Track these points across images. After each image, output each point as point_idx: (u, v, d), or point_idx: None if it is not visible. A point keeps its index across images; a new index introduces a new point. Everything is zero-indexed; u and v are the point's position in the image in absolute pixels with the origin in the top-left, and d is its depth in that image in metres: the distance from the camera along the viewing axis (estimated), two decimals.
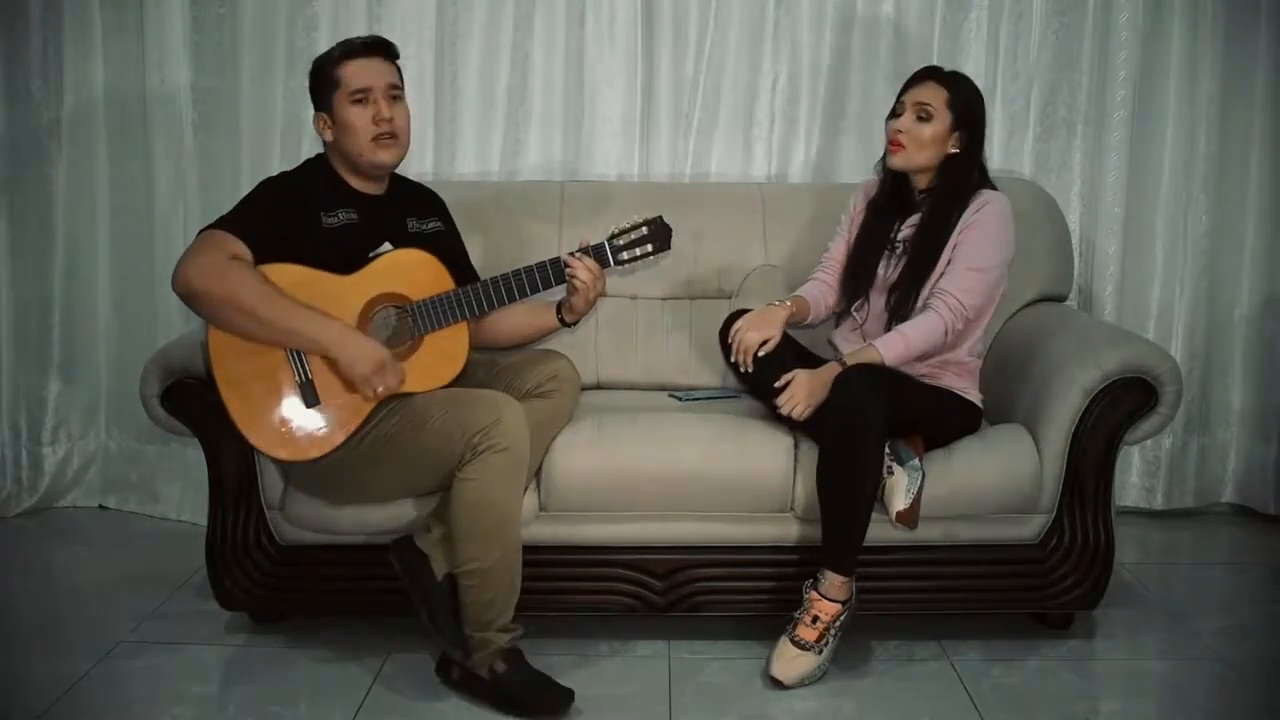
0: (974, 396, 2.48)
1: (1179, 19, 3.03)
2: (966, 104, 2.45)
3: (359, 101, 2.25)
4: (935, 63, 3.02)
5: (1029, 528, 2.43)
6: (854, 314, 2.55)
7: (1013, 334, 2.75)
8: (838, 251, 2.61)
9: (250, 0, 3.01)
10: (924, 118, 2.41)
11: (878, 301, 2.49)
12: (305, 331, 2.16)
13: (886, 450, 2.28)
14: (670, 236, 2.36)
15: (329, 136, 2.29)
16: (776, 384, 2.34)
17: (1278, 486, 3.20)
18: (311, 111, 2.34)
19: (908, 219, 2.49)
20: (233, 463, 2.39)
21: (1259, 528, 3.19)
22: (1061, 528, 2.42)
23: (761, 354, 2.38)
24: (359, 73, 2.26)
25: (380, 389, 2.19)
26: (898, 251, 2.48)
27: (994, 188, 2.48)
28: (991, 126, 3.06)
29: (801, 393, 2.31)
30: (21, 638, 2.50)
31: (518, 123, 3.09)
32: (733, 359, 2.43)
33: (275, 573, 2.44)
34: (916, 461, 2.28)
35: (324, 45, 2.96)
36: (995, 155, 3.09)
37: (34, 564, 2.96)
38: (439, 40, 3.03)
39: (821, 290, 2.58)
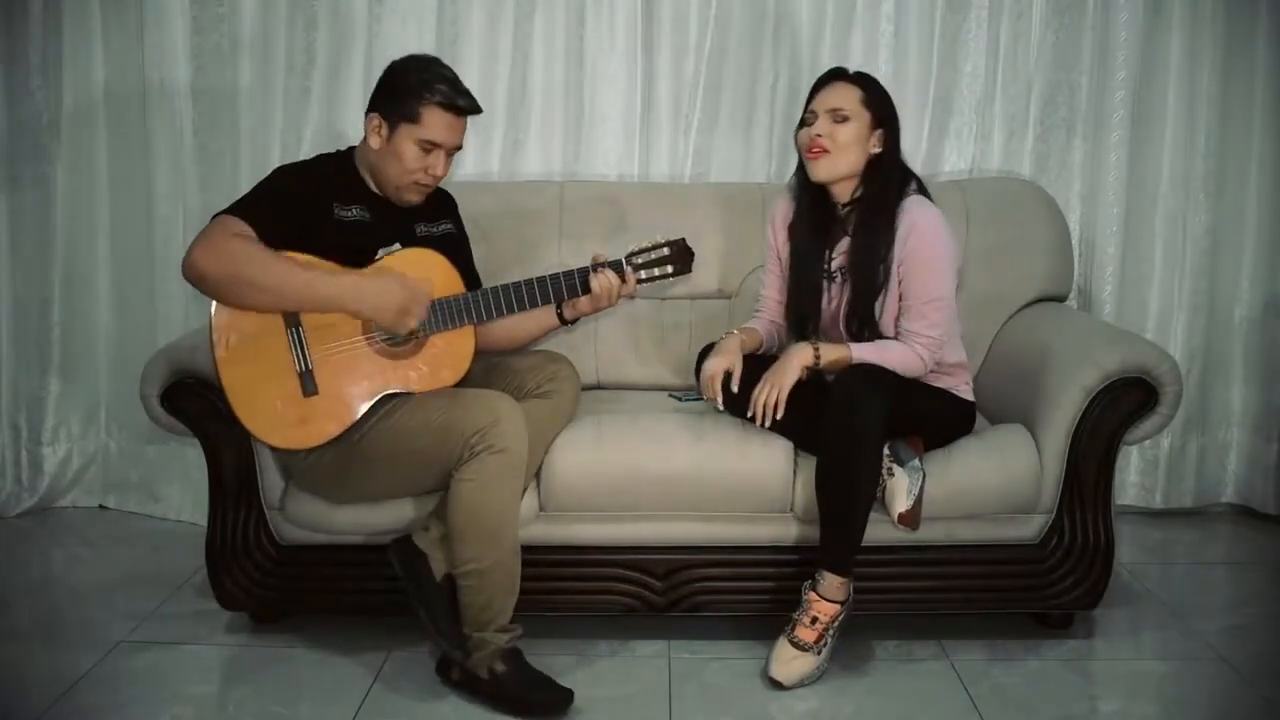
0: (965, 392, 2.47)
1: (1179, 19, 3.03)
2: (881, 101, 2.35)
3: (425, 150, 2.24)
4: (935, 64, 3.04)
5: (1029, 528, 2.43)
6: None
7: (1013, 334, 2.75)
8: (773, 290, 2.54)
9: (250, 0, 3.01)
10: (840, 120, 2.31)
11: (832, 332, 2.43)
12: (319, 292, 2.16)
13: (886, 451, 2.28)
14: (691, 260, 2.35)
15: (376, 144, 2.25)
16: (749, 415, 2.32)
17: (1278, 486, 3.21)
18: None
19: (837, 244, 2.40)
20: (233, 463, 2.39)
21: (1259, 528, 3.19)
22: (1061, 528, 2.42)
23: (734, 388, 2.34)
24: (442, 128, 2.23)
25: (413, 323, 2.19)
26: (837, 280, 2.41)
27: (918, 181, 2.39)
28: (991, 126, 3.08)
29: (765, 394, 2.27)
30: (21, 637, 2.50)
31: (518, 123, 3.09)
32: (706, 398, 2.40)
33: (275, 573, 2.44)
34: (917, 462, 2.28)
35: (324, 45, 3.00)
36: (995, 155, 3.10)
37: (34, 564, 2.96)
38: (439, 40, 3.03)
39: (769, 327, 2.54)
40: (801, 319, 2.46)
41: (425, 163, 2.25)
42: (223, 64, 3.05)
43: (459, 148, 2.30)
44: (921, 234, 2.29)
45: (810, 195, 2.42)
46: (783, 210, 2.51)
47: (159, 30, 3.05)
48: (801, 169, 2.41)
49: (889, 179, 2.35)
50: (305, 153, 2.94)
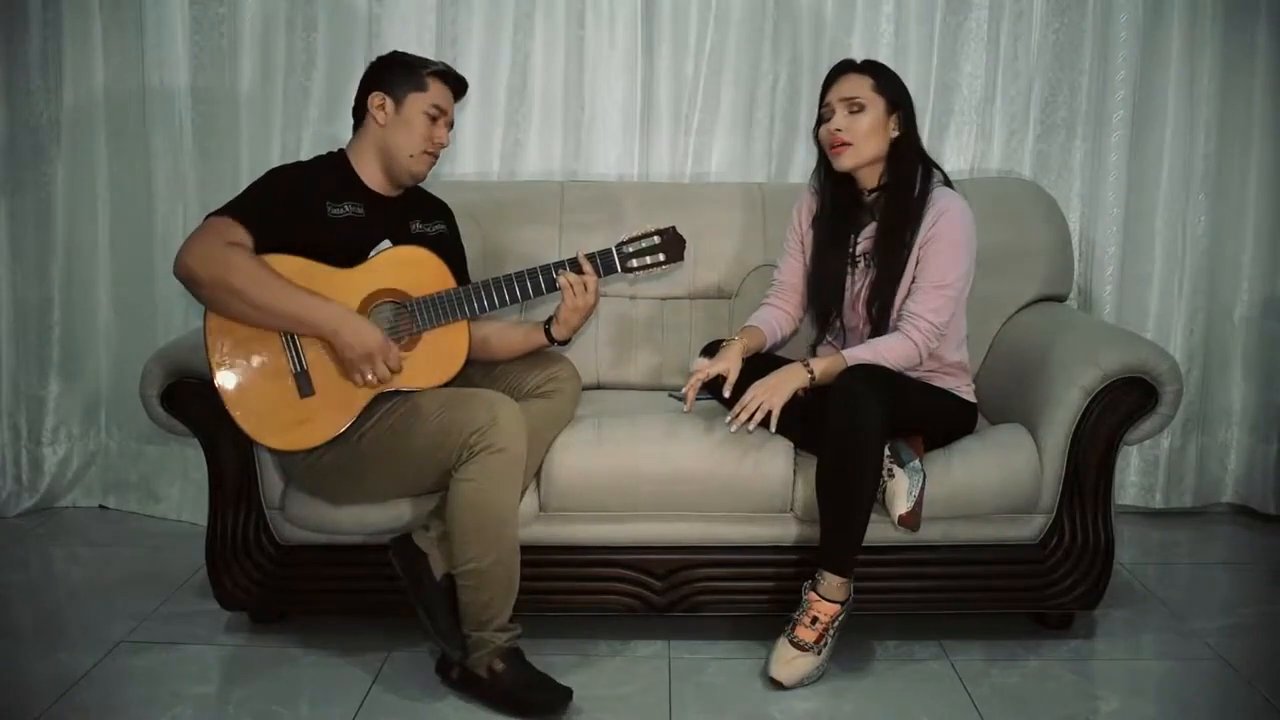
0: (967, 394, 2.47)
1: (1179, 19, 3.03)
2: (892, 86, 2.39)
3: (432, 118, 2.32)
4: (935, 64, 3.04)
5: (1029, 528, 2.43)
6: (830, 342, 2.51)
7: (1012, 334, 2.75)
8: (788, 274, 2.54)
9: (250, 0, 3.01)
10: (856, 110, 2.36)
11: (852, 319, 2.44)
12: (301, 314, 2.16)
13: (886, 452, 2.28)
14: (683, 247, 2.34)
15: (382, 120, 2.31)
16: (730, 418, 2.28)
17: (1278, 486, 3.21)
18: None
19: (863, 230, 2.43)
20: (233, 463, 2.39)
21: (1259, 528, 3.20)
22: (1061, 528, 2.42)
23: (726, 393, 2.32)
24: (445, 96, 2.36)
25: (370, 376, 2.18)
26: (860, 266, 2.42)
27: (942, 172, 2.43)
28: (991, 126, 3.09)
29: (753, 405, 2.24)
30: (22, 637, 2.51)
31: (518, 123, 3.10)
32: (681, 393, 2.38)
33: (275, 573, 2.44)
34: (917, 462, 2.28)
35: (324, 45, 3.00)
36: (995, 155, 3.10)
37: (34, 564, 2.96)
38: (439, 40, 3.03)
39: (776, 316, 2.52)
40: (824, 310, 2.47)
41: (432, 131, 2.33)
42: (223, 64, 3.05)
43: (453, 123, 2.40)
44: (950, 219, 2.33)
45: (835, 186, 2.45)
46: (808, 202, 2.53)
47: (159, 31, 3.05)
48: (823, 165, 2.45)
49: (914, 162, 2.39)
50: (305, 153, 2.94)
